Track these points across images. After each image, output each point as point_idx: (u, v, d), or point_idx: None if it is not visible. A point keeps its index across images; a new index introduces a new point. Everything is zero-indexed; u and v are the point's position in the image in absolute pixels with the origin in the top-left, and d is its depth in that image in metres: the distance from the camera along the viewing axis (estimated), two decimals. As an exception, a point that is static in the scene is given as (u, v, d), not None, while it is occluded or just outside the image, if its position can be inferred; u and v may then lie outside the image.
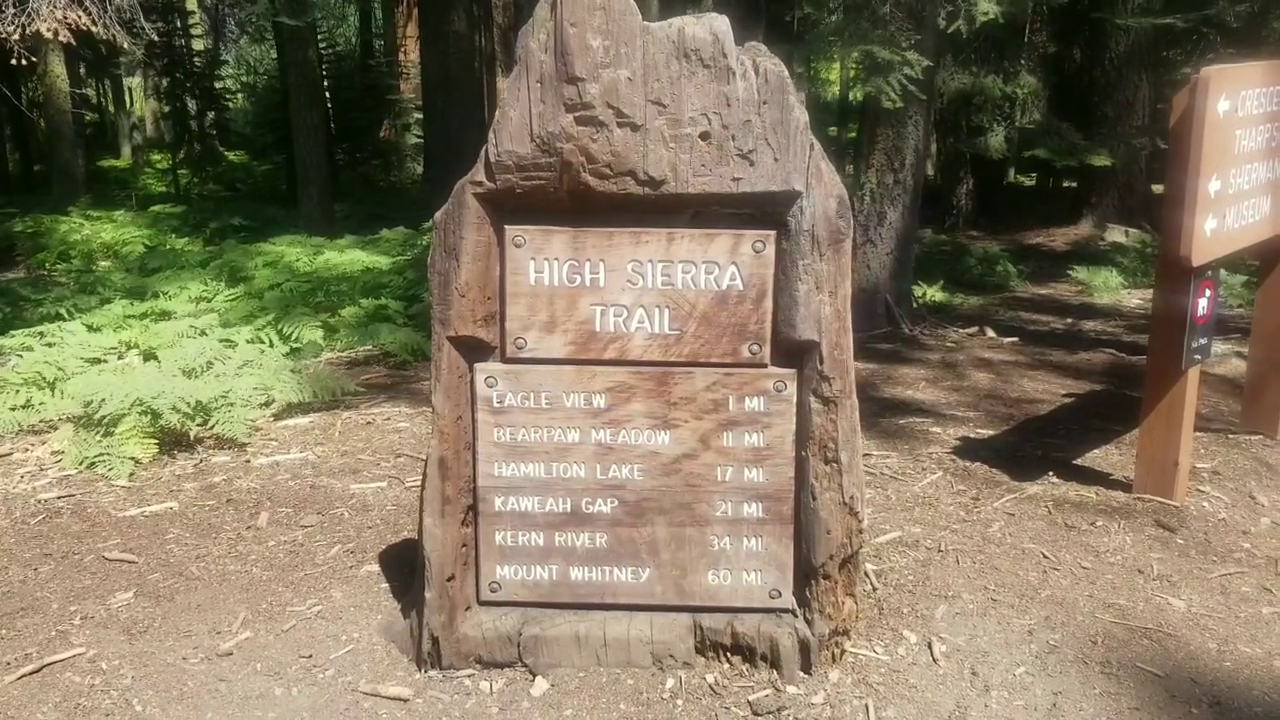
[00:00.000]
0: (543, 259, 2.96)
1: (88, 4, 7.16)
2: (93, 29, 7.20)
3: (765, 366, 3.02)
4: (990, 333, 8.11)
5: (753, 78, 2.82)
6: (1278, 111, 4.35)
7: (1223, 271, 4.61)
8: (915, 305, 8.84)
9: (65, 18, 6.87)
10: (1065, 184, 16.52)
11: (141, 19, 7.92)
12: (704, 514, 3.10)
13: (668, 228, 2.95)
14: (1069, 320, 8.85)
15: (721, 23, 2.81)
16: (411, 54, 23.38)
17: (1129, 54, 12.63)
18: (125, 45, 8.07)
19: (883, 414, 5.70)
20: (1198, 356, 4.24)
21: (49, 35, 6.91)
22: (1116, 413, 5.59)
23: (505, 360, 3.04)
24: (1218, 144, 3.95)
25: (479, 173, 2.88)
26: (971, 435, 5.36)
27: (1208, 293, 4.20)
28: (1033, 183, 18.74)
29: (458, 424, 3.05)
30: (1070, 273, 10.77)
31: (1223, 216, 4.10)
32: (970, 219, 14.54)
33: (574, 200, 2.90)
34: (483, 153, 2.87)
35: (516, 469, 3.10)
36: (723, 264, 2.95)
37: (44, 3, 6.75)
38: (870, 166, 7.99)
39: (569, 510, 3.12)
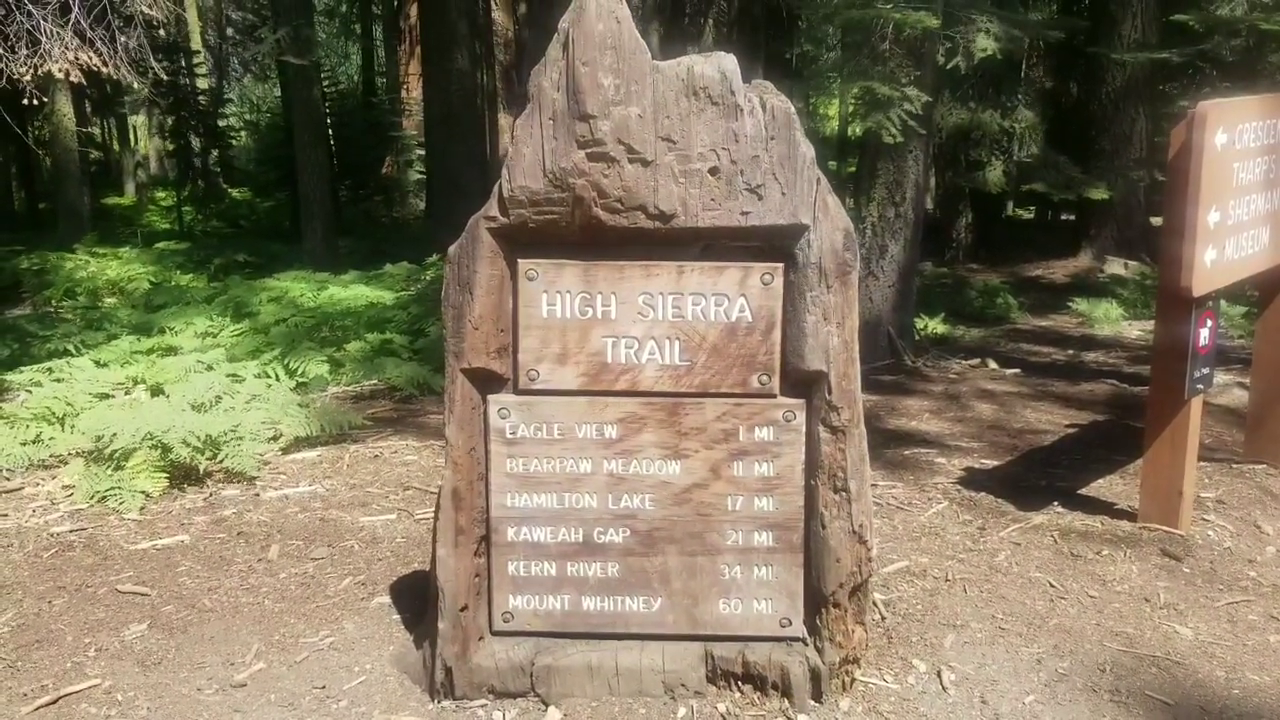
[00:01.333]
0: (555, 292, 3.01)
1: (98, 45, 7.27)
2: (103, 69, 7.30)
3: (774, 397, 3.06)
4: (992, 364, 8.15)
5: (760, 114, 2.89)
6: (1274, 144, 4.42)
7: (1223, 302, 4.66)
8: (917, 337, 8.90)
9: (77, 58, 6.98)
10: (1064, 217, 16.63)
11: (151, 59, 8.02)
12: (715, 543, 3.13)
13: (678, 261, 3.00)
14: (1070, 352, 8.89)
15: (729, 61, 2.88)
16: (414, 91, 23.58)
17: (1125, 88, 12.77)
18: (135, 84, 8.17)
19: (887, 445, 5.74)
20: (1200, 386, 4.28)
21: (60, 75, 7.02)
22: (1119, 443, 5.62)
23: (518, 392, 3.09)
24: (1216, 176, 4.01)
25: (492, 208, 2.94)
26: (976, 466, 5.39)
27: (1209, 323, 4.25)
28: (1031, 216, 18.87)
29: (471, 455, 3.09)
30: (1070, 305, 10.83)
31: (1222, 247, 4.15)
32: (970, 252, 14.63)
33: (586, 234, 2.96)
34: (496, 188, 2.93)
35: (529, 499, 3.13)
36: (732, 296, 3.00)
37: (56, 43, 6.86)
38: (871, 200, 8.07)
39: (581, 540, 3.15)
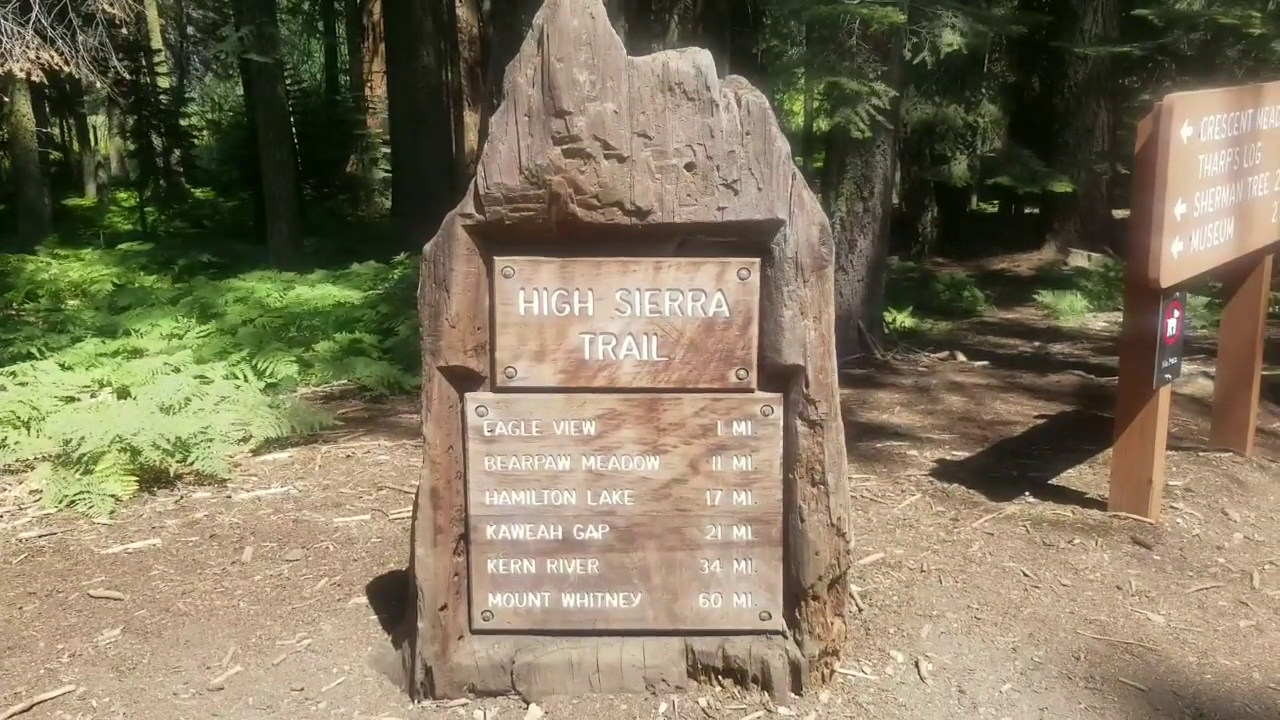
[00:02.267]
0: (532, 289, 3.01)
1: (59, 44, 7.16)
2: (64, 68, 7.19)
3: (752, 391, 3.07)
4: (961, 357, 8.22)
5: (735, 110, 2.89)
6: (1238, 136, 4.48)
7: (1187, 294, 4.72)
8: (886, 331, 8.95)
9: (38, 57, 6.87)
10: (1027, 210, 16.77)
11: (113, 57, 7.92)
12: (694, 538, 3.14)
13: (655, 257, 3.00)
14: (1037, 344, 8.98)
15: (704, 57, 2.88)
16: (378, 89, 23.44)
17: (1087, 82, 12.90)
18: (96, 83, 8.07)
19: (860, 438, 5.76)
20: (1168, 376, 4.34)
21: (22, 75, 6.91)
22: (1088, 433, 5.68)
23: (495, 389, 3.08)
24: (1182, 169, 4.06)
25: (468, 205, 2.93)
26: (948, 457, 5.43)
27: (1176, 313, 4.31)
28: (995, 209, 19.01)
29: (449, 453, 3.07)
30: (1036, 297, 10.94)
31: (1189, 239, 4.20)
32: (936, 246, 14.73)
33: (562, 231, 2.95)
34: (471, 185, 2.92)
35: (508, 497, 3.12)
36: (709, 291, 3.01)
37: (16, 42, 6.76)
38: (840, 195, 8.10)
39: (560, 537, 3.15)
